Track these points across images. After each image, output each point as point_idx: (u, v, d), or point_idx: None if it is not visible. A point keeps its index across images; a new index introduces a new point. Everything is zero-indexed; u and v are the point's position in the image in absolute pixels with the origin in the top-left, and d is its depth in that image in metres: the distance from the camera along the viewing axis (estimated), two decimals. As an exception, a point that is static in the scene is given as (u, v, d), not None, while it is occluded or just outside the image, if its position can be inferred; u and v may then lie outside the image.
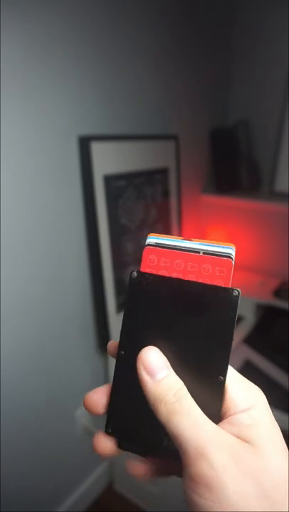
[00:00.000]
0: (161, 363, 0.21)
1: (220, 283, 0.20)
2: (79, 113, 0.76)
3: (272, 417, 0.21)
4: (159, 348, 0.21)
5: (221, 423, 0.20)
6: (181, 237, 0.22)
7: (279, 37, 1.13)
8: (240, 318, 1.13)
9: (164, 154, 1.02)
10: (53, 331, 0.83)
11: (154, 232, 0.23)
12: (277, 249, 1.22)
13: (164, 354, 0.21)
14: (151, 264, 0.22)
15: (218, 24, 1.15)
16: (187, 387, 0.21)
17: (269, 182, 1.21)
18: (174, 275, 0.21)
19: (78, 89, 0.75)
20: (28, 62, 0.64)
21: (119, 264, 0.91)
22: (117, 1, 0.78)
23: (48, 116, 0.70)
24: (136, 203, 0.94)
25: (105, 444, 0.23)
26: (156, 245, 0.22)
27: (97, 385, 0.24)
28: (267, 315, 1.14)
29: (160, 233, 0.23)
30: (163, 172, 1.03)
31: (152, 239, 0.22)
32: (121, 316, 0.24)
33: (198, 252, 0.21)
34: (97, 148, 0.78)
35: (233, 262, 0.20)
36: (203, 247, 0.21)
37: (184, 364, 0.21)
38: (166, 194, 1.05)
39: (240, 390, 0.21)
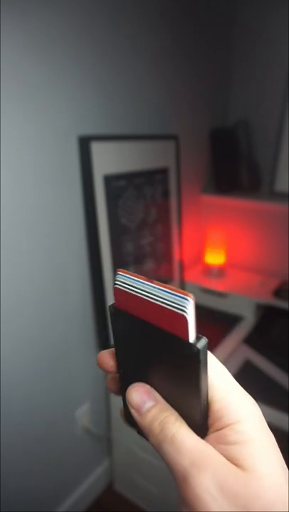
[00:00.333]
0: (143, 398, 0.22)
1: (180, 334, 0.19)
2: (79, 113, 0.76)
3: (268, 431, 0.20)
4: (144, 375, 0.23)
5: (210, 440, 0.20)
6: (145, 278, 0.20)
7: (279, 37, 1.13)
8: (240, 318, 1.13)
9: (164, 154, 1.02)
10: (52, 330, 0.83)
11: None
12: (277, 249, 1.22)
13: (150, 381, 0.23)
14: (122, 302, 0.22)
15: (218, 24, 1.15)
16: (175, 407, 0.21)
17: (269, 182, 1.21)
18: (142, 316, 0.21)
19: (78, 89, 0.75)
20: (28, 62, 0.64)
21: (119, 264, 0.91)
22: (117, 1, 0.78)
23: (48, 116, 0.70)
24: (136, 203, 0.94)
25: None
26: (123, 287, 0.21)
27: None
28: (267, 315, 1.14)
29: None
30: (163, 172, 1.03)
31: (120, 277, 0.21)
32: None
33: (156, 302, 0.19)
34: (97, 148, 0.79)
35: (189, 317, 0.18)
36: (160, 297, 0.19)
37: (166, 390, 0.22)
38: (166, 194, 1.05)
39: (228, 403, 0.20)
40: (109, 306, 0.22)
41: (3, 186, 0.65)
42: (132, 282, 0.21)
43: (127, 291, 0.21)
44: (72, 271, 0.84)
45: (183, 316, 0.18)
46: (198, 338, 0.19)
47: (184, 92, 1.08)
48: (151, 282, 0.20)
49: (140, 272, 0.99)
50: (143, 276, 0.20)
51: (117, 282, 0.21)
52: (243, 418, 0.19)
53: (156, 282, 0.19)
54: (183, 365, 0.20)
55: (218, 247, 1.26)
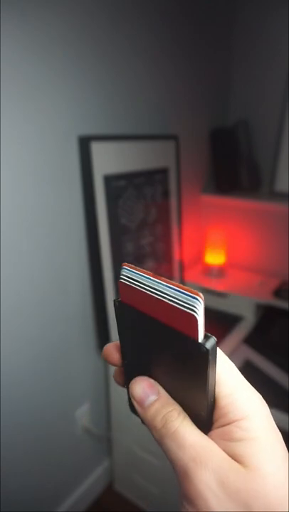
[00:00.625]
0: (146, 392, 0.22)
1: (189, 333, 0.19)
2: (79, 113, 0.76)
3: (275, 430, 0.19)
4: (148, 368, 0.22)
5: (213, 435, 0.19)
6: (151, 274, 0.20)
7: (279, 37, 1.13)
8: (240, 318, 1.13)
9: (164, 154, 1.02)
10: (52, 330, 0.83)
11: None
12: (277, 249, 1.22)
13: (153, 374, 0.22)
14: (127, 296, 0.21)
15: (218, 24, 1.15)
16: (179, 400, 0.21)
17: (269, 182, 1.21)
18: (148, 312, 0.20)
19: (78, 89, 0.75)
20: (28, 62, 0.64)
21: (119, 264, 0.91)
22: (117, 1, 0.78)
23: (48, 116, 0.70)
24: (136, 203, 0.94)
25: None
26: (129, 281, 0.21)
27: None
28: (267, 315, 1.14)
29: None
30: (163, 172, 1.03)
31: (126, 272, 0.21)
32: None
33: (166, 299, 0.19)
34: (97, 148, 0.79)
35: (198, 316, 0.18)
36: (169, 294, 0.19)
37: (170, 384, 0.22)
38: (166, 194, 1.05)
39: (236, 399, 0.19)
40: (114, 300, 0.22)
41: (3, 186, 0.65)
42: (138, 277, 0.20)
43: (133, 287, 0.20)
44: (72, 271, 0.84)
45: (193, 315, 0.18)
46: (206, 338, 0.19)
47: (184, 92, 1.08)
48: (159, 279, 0.19)
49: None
50: (150, 272, 0.20)
51: (122, 276, 0.21)
52: (249, 415, 0.19)
53: (164, 279, 0.19)
54: (190, 363, 0.20)
55: (218, 247, 1.26)
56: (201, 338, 0.18)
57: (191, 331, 0.18)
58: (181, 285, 0.18)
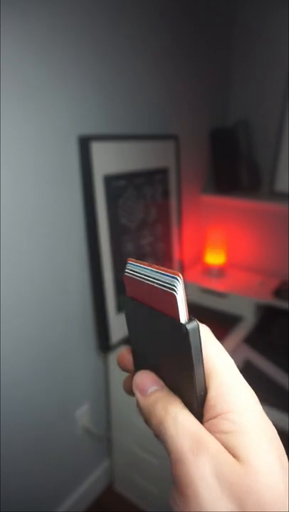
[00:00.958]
0: (150, 381, 0.22)
1: (173, 314, 0.19)
2: (79, 113, 0.76)
3: (269, 425, 0.19)
4: (155, 366, 0.23)
5: (208, 427, 0.19)
6: (147, 264, 0.21)
7: (279, 37, 1.13)
8: (240, 318, 1.13)
9: (164, 154, 1.02)
10: (52, 330, 0.83)
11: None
12: (277, 249, 1.22)
13: (159, 371, 0.23)
14: (131, 290, 0.22)
15: (218, 24, 1.15)
16: (180, 395, 0.21)
17: (269, 182, 1.21)
18: (146, 302, 0.21)
19: (78, 89, 0.75)
20: (28, 62, 0.64)
21: (119, 264, 0.91)
22: (117, 1, 0.78)
23: (48, 116, 0.70)
24: (136, 203, 0.94)
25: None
26: (131, 274, 0.22)
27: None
28: (267, 315, 1.14)
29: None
30: (163, 172, 1.03)
31: (130, 266, 0.22)
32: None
33: (153, 285, 0.20)
34: (97, 148, 0.78)
35: (178, 295, 0.19)
36: (156, 278, 0.20)
37: (172, 378, 0.22)
38: (166, 194, 1.05)
39: (225, 392, 0.19)
40: (123, 296, 0.23)
41: (3, 186, 0.65)
42: (137, 269, 0.21)
43: (133, 278, 0.21)
44: (72, 271, 0.84)
45: (172, 294, 0.19)
46: (190, 320, 0.19)
47: (184, 92, 1.08)
48: (150, 266, 0.20)
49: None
50: (146, 263, 0.21)
51: (126, 270, 0.22)
52: (238, 408, 0.19)
53: (155, 266, 0.20)
54: (179, 349, 0.20)
55: (218, 247, 1.26)
56: (183, 319, 0.19)
57: (173, 312, 0.19)
58: (165, 268, 0.19)
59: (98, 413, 1.05)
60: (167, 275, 0.19)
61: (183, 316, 0.19)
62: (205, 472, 0.17)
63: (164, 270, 0.20)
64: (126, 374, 0.26)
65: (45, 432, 0.89)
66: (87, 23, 0.73)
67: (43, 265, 0.77)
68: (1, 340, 0.72)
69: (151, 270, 0.20)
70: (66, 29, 0.69)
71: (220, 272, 1.26)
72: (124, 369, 0.25)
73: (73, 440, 0.99)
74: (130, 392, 0.25)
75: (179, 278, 0.19)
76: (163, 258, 1.08)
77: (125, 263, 0.22)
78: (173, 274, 0.19)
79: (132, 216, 0.93)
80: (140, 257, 0.98)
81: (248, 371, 0.89)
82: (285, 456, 0.18)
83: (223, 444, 0.18)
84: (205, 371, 0.20)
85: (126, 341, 0.95)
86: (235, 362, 0.22)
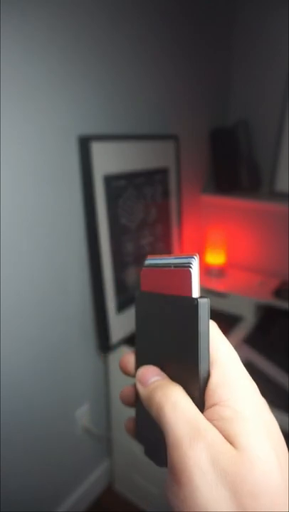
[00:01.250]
0: (151, 373, 0.22)
1: (185, 293, 0.21)
2: (79, 113, 0.76)
3: (269, 418, 0.19)
4: (160, 361, 0.23)
5: (209, 414, 0.19)
6: (166, 255, 0.23)
7: (279, 37, 1.13)
8: (240, 318, 1.13)
9: (164, 154, 1.02)
10: (52, 330, 0.83)
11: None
12: (277, 249, 1.22)
13: (163, 365, 0.23)
14: (146, 283, 0.24)
15: (218, 24, 1.15)
16: (183, 385, 0.21)
17: (269, 182, 1.21)
18: (160, 290, 0.23)
19: (78, 89, 0.75)
20: (28, 63, 0.64)
21: (119, 264, 0.91)
22: (117, 1, 0.78)
23: (48, 116, 0.70)
24: (136, 203, 0.94)
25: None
26: (149, 266, 0.24)
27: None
28: (267, 315, 1.14)
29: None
30: (163, 172, 1.03)
31: (148, 261, 0.24)
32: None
33: (171, 267, 0.22)
34: (97, 148, 0.78)
35: (193, 271, 0.21)
36: (174, 261, 0.22)
37: (176, 371, 0.22)
38: (166, 194, 1.05)
39: (228, 381, 0.19)
40: (135, 292, 0.24)
41: (3, 186, 0.65)
42: (155, 261, 0.23)
43: (150, 269, 0.23)
44: (72, 271, 0.84)
45: (188, 270, 0.20)
46: (202, 297, 0.20)
47: (184, 92, 1.08)
48: (170, 256, 0.23)
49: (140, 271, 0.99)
50: (165, 254, 0.23)
51: (145, 264, 0.24)
52: (239, 396, 0.19)
53: (174, 254, 0.22)
54: (187, 327, 0.21)
55: (218, 247, 1.26)
56: (196, 295, 0.21)
57: (187, 289, 0.21)
58: (185, 253, 0.22)
59: (98, 413, 1.05)
60: (184, 257, 0.21)
61: (196, 291, 0.21)
62: (201, 459, 0.16)
63: (182, 254, 0.22)
64: (127, 378, 0.26)
65: (45, 432, 0.89)
66: (87, 23, 0.73)
67: (43, 265, 0.77)
68: (1, 340, 0.72)
69: (169, 258, 0.22)
70: (66, 29, 0.69)
71: (220, 271, 1.26)
72: (125, 372, 0.25)
73: (73, 440, 0.99)
74: (127, 402, 0.25)
75: (195, 257, 0.21)
76: (162, 255, 1.08)
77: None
78: (190, 254, 0.21)
79: (132, 216, 0.93)
80: (140, 257, 0.98)
81: (248, 371, 0.89)
82: (284, 446, 0.18)
83: (221, 431, 0.18)
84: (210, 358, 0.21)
85: (126, 341, 0.95)
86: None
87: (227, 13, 1.17)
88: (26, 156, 0.68)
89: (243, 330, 1.08)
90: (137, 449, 1.00)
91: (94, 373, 0.99)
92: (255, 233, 1.26)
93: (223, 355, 0.21)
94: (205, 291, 1.20)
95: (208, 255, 1.26)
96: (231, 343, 0.22)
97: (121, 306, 0.93)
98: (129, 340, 0.95)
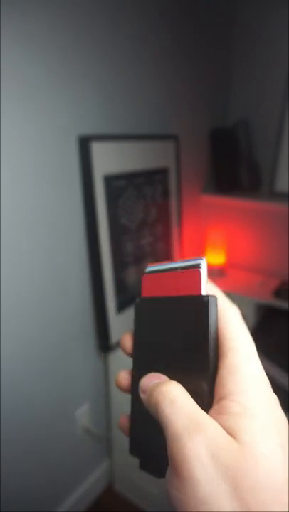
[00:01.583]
0: (151, 378, 0.22)
1: (194, 292, 0.22)
2: (79, 113, 0.76)
3: (279, 414, 0.19)
4: (162, 366, 0.23)
5: (212, 412, 0.19)
6: (169, 261, 0.24)
7: (279, 37, 1.13)
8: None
9: (164, 154, 1.02)
10: (52, 330, 0.83)
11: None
12: (277, 249, 1.22)
13: (167, 368, 0.22)
14: (148, 289, 0.24)
15: (218, 24, 1.15)
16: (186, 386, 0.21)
17: (269, 182, 1.21)
18: (164, 294, 0.23)
19: (78, 89, 0.75)
20: (28, 63, 0.64)
21: (119, 264, 0.91)
22: (117, 1, 0.78)
23: (48, 116, 0.70)
24: (136, 203, 0.94)
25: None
26: (150, 272, 0.24)
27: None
28: (267, 315, 1.14)
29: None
30: (163, 172, 1.03)
31: (149, 268, 0.25)
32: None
33: (177, 270, 0.23)
34: (97, 148, 0.78)
35: (202, 271, 0.22)
36: (181, 264, 0.23)
37: (181, 370, 0.22)
38: (166, 194, 1.05)
39: (238, 372, 0.19)
40: (135, 299, 0.25)
41: (3, 186, 0.65)
42: (159, 267, 0.24)
43: (154, 274, 0.24)
44: (72, 271, 0.84)
45: (197, 270, 0.21)
46: (210, 296, 0.21)
47: (184, 92, 1.08)
48: (171, 261, 0.24)
49: (140, 271, 0.99)
50: (165, 261, 0.24)
51: (146, 271, 0.25)
52: (251, 391, 0.18)
53: (178, 259, 0.23)
54: (194, 327, 0.21)
55: (218, 247, 1.26)
56: (204, 293, 0.21)
57: (195, 289, 0.21)
58: (192, 257, 0.23)
59: (98, 413, 1.05)
60: (193, 259, 0.22)
61: (204, 290, 0.21)
62: (201, 452, 0.16)
63: (188, 258, 0.23)
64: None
65: (45, 432, 0.89)
66: (87, 23, 0.73)
67: (43, 265, 0.77)
68: (1, 340, 0.72)
69: (174, 263, 0.23)
70: (66, 29, 0.69)
71: (220, 271, 1.26)
72: (122, 389, 0.25)
73: (73, 440, 0.99)
74: (124, 387, 0.25)
75: (203, 258, 0.22)
76: (163, 258, 1.08)
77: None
78: (199, 257, 0.22)
79: (132, 216, 0.93)
80: (140, 257, 0.98)
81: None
82: None
83: (226, 426, 0.17)
84: (220, 348, 0.21)
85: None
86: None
87: (227, 13, 1.17)
88: (26, 156, 0.68)
89: (243, 330, 1.07)
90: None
91: (94, 373, 0.99)
92: (255, 233, 1.26)
93: (239, 345, 0.20)
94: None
95: (208, 255, 1.26)
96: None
97: (121, 306, 0.93)
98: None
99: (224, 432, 0.17)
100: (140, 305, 0.25)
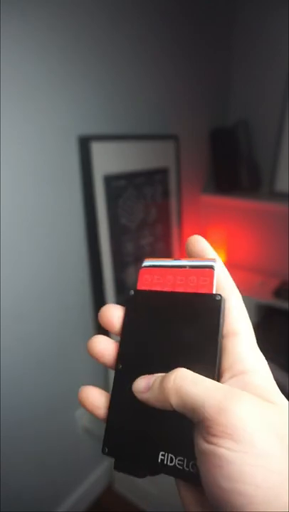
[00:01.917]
0: (148, 377, 0.21)
1: (204, 291, 0.22)
2: (79, 113, 0.76)
3: None
4: (151, 359, 0.23)
5: (230, 382, 0.20)
6: (172, 258, 0.24)
7: (279, 37, 1.13)
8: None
9: (164, 154, 1.02)
10: (53, 331, 0.83)
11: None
12: (277, 249, 1.21)
13: (158, 363, 0.22)
14: (146, 283, 0.24)
15: (218, 24, 1.15)
16: None
17: (269, 182, 1.21)
18: (166, 289, 0.23)
19: (78, 89, 0.75)
20: (28, 63, 0.64)
21: (119, 264, 0.91)
22: (117, 1, 0.78)
23: (48, 116, 0.70)
24: (136, 203, 0.94)
25: (93, 398, 0.24)
26: (150, 266, 0.24)
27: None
28: (267, 315, 1.14)
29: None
30: (163, 172, 1.03)
31: (147, 262, 0.25)
32: None
33: (185, 267, 0.23)
34: (97, 148, 0.79)
35: (215, 272, 0.22)
36: (189, 263, 0.23)
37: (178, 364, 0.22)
38: (166, 194, 1.05)
39: (250, 350, 0.21)
40: (128, 291, 0.25)
41: (3, 186, 0.65)
42: (160, 263, 0.24)
43: (155, 268, 0.24)
44: (73, 271, 0.84)
45: (211, 270, 0.22)
46: (219, 296, 0.22)
47: (184, 92, 1.08)
48: (181, 258, 0.24)
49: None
50: (163, 258, 0.24)
51: (145, 264, 0.24)
52: (264, 365, 0.21)
53: (184, 258, 0.23)
54: (203, 322, 0.21)
55: (218, 247, 1.26)
56: (214, 292, 0.22)
57: (206, 288, 0.22)
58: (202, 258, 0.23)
59: (98, 413, 1.05)
60: (205, 260, 0.23)
61: (215, 290, 0.22)
62: (250, 414, 0.17)
63: (200, 258, 0.23)
64: None
65: (45, 432, 0.89)
66: (87, 23, 0.73)
67: (43, 265, 0.77)
68: (1, 340, 0.72)
69: (178, 260, 0.23)
70: (66, 29, 0.69)
71: (220, 272, 1.25)
72: (98, 357, 0.25)
73: (73, 440, 0.99)
74: (100, 357, 0.24)
75: (217, 259, 0.23)
76: (163, 258, 1.08)
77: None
78: (210, 259, 0.23)
79: (132, 216, 0.93)
80: (140, 257, 0.98)
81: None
82: None
83: (258, 394, 0.19)
84: (229, 332, 0.21)
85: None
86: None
87: (227, 13, 1.17)
88: (26, 156, 0.68)
89: (243, 330, 1.07)
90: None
91: (94, 373, 0.99)
92: (255, 233, 1.26)
93: (246, 328, 0.22)
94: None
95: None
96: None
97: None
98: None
99: (253, 395, 0.19)
100: (135, 297, 0.24)
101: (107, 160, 0.82)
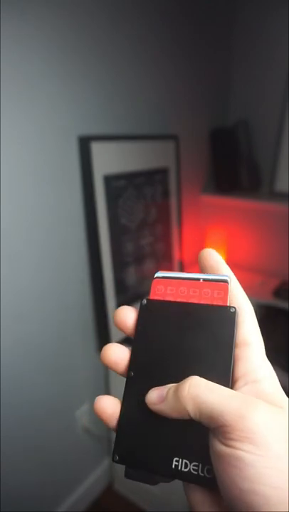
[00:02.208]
0: (162, 388, 0.21)
1: (219, 303, 0.23)
2: (79, 113, 0.76)
3: None
4: (163, 367, 0.23)
5: (244, 390, 0.21)
6: (185, 272, 0.25)
7: (279, 37, 1.13)
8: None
9: (164, 154, 1.02)
10: (53, 331, 0.83)
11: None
12: (277, 249, 1.21)
13: (171, 371, 0.22)
14: (158, 293, 0.25)
15: (218, 24, 1.15)
16: None
17: (269, 182, 1.21)
18: (179, 300, 0.24)
19: (78, 89, 0.75)
20: (28, 62, 0.64)
21: (119, 264, 0.91)
22: (117, 1, 0.78)
23: (48, 116, 0.70)
24: (136, 203, 0.94)
25: (106, 405, 0.24)
26: (163, 277, 0.25)
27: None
28: (267, 315, 1.14)
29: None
30: (163, 172, 1.03)
31: (160, 273, 0.25)
32: None
33: (199, 280, 0.24)
34: (97, 148, 0.79)
35: (230, 286, 0.23)
36: (203, 276, 0.24)
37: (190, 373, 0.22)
38: (166, 194, 1.05)
39: (262, 360, 0.22)
40: (141, 300, 0.25)
41: (3, 186, 0.65)
42: (173, 274, 0.25)
43: (167, 279, 0.25)
44: (73, 271, 0.84)
45: (226, 284, 0.23)
46: (234, 308, 0.23)
47: (184, 92, 1.08)
48: (191, 272, 0.25)
49: (140, 271, 0.99)
50: (180, 271, 0.25)
51: (157, 275, 0.25)
52: (273, 375, 0.22)
53: (194, 273, 0.24)
54: (216, 333, 0.22)
55: (218, 247, 1.26)
56: (228, 304, 0.23)
57: (221, 301, 0.23)
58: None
59: (98, 413, 1.05)
60: (218, 275, 0.24)
61: (228, 302, 0.23)
62: (266, 420, 0.18)
63: (212, 274, 0.24)
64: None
65: (45, 432, 0.89)
66: (87, 23, 0.73)
67: (43, 265, 0.77)
68: (1, 341, 0.72)
69: (191, 274, 0.24)
70: (66, 29, 0.69)
71: (220, 271, 1.26)
72: (110, 365, 0.25)
73: (73, 440, 0.99)
74: (113, 366, 0.24)
75: (230, 275, 0.24)
76: (163, 258, 1.08)
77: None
78: (225, 274, 0.24)
79: (132, 216, 0.93)
80: (140, 257, 0.98)
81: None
82: None
83: (269, 400, 0.20)
84: (241, 343, 0.22)
85: (126, 341, 0.95)
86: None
87: (227, 13, 1.17)
88: (26, 156, 0.68)
89: (243, 330, 1.07)
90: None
91: (94, 373, 0.99)
92: (255, 233, 1.26)
93: (258, 339, 0.23)
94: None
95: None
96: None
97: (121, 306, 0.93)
98: (129, 341, 0.95)
99: (266, 402, 0.19)
100: (148, 306, 0.25)
101: (107, 160, 0.82)
